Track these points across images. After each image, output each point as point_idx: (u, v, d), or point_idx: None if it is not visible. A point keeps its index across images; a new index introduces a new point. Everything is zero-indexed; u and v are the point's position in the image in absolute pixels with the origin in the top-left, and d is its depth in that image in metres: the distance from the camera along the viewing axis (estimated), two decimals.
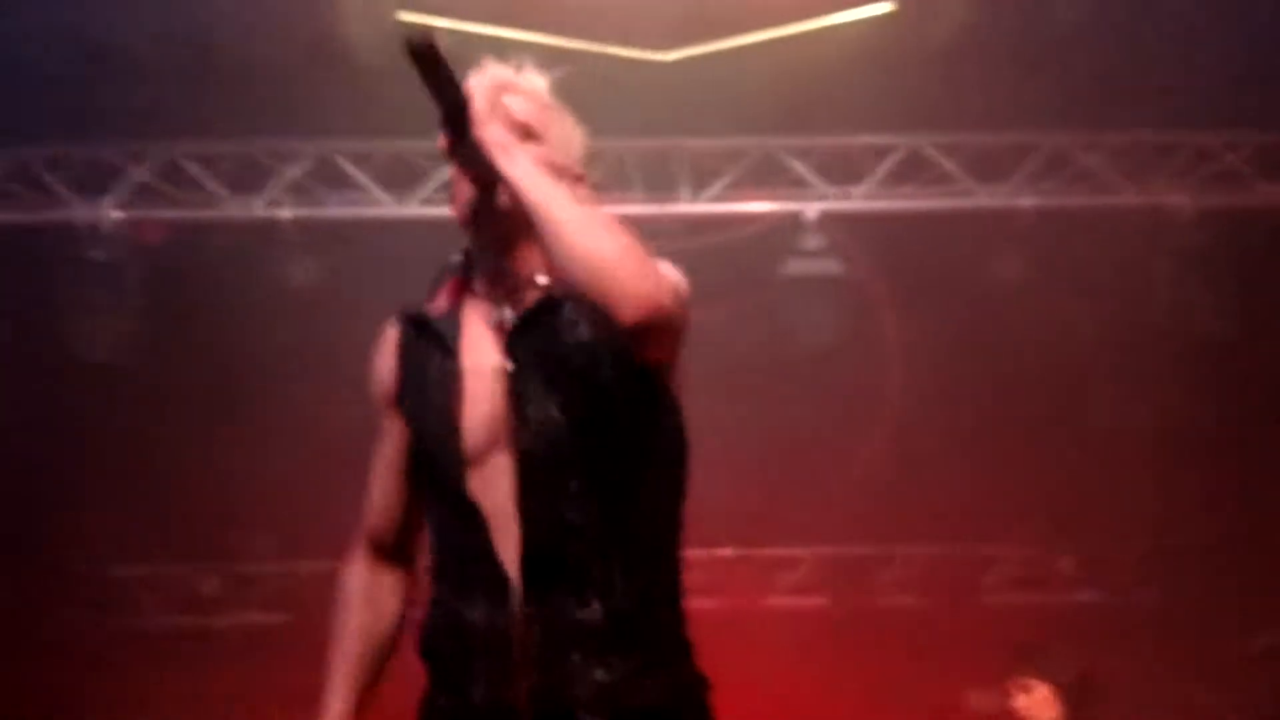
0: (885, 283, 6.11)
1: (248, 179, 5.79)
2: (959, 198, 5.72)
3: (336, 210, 5.77)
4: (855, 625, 7.00)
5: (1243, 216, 5.80)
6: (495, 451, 1.96)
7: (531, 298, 2.01)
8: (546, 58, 5.64)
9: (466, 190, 2.00)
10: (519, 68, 2.12)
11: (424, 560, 2.12)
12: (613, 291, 1.81)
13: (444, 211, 6.01)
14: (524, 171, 1.90)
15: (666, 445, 2.05)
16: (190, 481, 6.40)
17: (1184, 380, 6.00)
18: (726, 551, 7.14)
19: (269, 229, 5.76)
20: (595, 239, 1.85)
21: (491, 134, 1.92)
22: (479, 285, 2.06)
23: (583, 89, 5.49)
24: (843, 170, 5.79)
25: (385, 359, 2.12)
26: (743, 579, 7.18)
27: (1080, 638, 6.54)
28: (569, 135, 2.12)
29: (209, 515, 6.73)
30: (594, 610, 1.92)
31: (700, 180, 5.73)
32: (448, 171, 2.07)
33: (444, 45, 1.86)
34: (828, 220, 5.77)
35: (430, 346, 2.05)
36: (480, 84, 2.01)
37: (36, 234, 5.72)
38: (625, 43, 5.25)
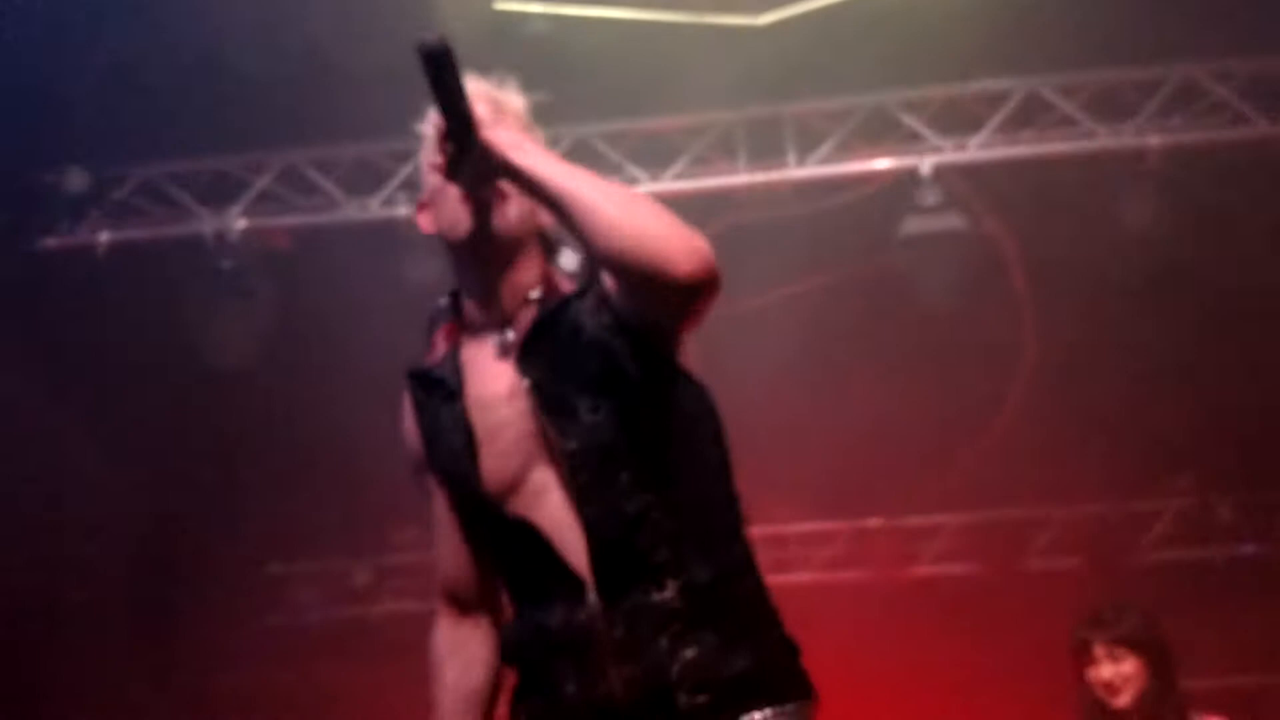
0: (1011, 235, 5.89)
1: (364, 181, 5.91)
2: (1082, 140, 5.47)
3: None
4: (1006, 591, 6.81)
5: None
6: (533, 470, 1.98)
7: (529, 314, 2.02)
8: (639, 31, 5.63)
9: (460, 212, 1.98)
10: (500, 86, 2.10)
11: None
12: (663, 252, 1.80)
13: None
14: (543, 162, 1.88)
15: (698, 422, 2.04)
16: (330, 478, 6.56)
17: None
18: (871, 522, 7.03)
19: (390, 228, 5.86)
20: (631, 209, 1.84)
21: (501, 135, 1.90)
22: (473, 318, 2.06)
23: (681, 60, 5.44)
24: (957, 121, 5.60)
25: (408, 423, 2.15)
26: (889, 548, 7.06)
27: (1239, 591, 6.27)
28: (523, 113, 2.13)
29: (357, 511, 6.90)
30: (670, 592, 1.94)
31: (807, 144, 5.61)
32: (432, 189, 2.04)
33: (457, 52, 1.84)
34: (945, 174, 5.58)
35: (439, 398, 2.06)
36: (477, 92, 1.98)
37: (166, 247, 5.92)
38: (718, 10, 5.17)
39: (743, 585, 2.02)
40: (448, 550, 2.16)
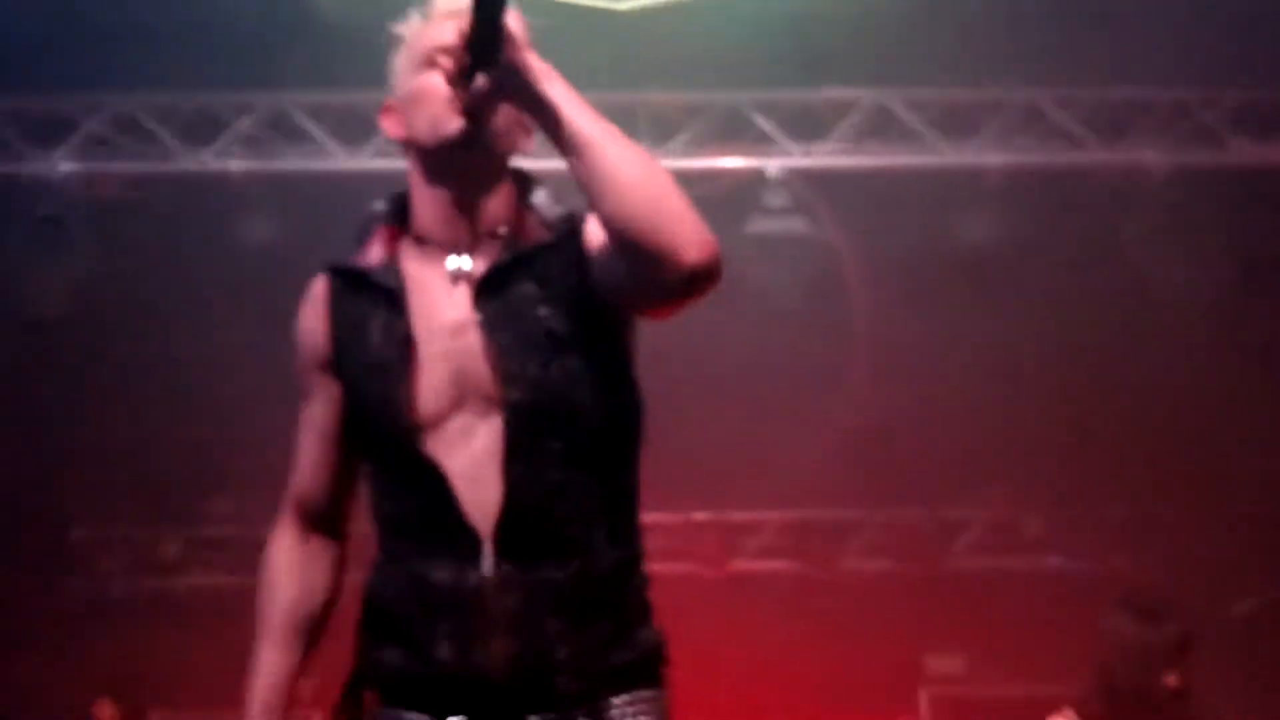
0: (852, 242, 6.02)
1: (202, 132, 5.69)
2: (926, 154, 5.62)
3: (288, 163, 5.66)
4: (822, 590, 6.96)
5: (1218, 175, 5.71)
6: (458, 412, 1.88)
7: (493, 248, 1.92)
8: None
9: (448, 114, 1.87)
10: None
11: (359, 526, 2.03)
12: (676, 233, 1.74)
13: (398, 164, 5.95)
14: (571, 101, 1.79)
15: (632, 405, 1.99)
16: (146, 441, 6.31)
17: (1157, 344, 5.92)
18: (698, 515, 7.11)
19: (221, 182, 5.66)
20: (652, 178, 1.77)
21: (534, 59, 1.81)
22: (426, 232, 1.94)
23: (540, 40, 5.38)
24: (808, 125, 5.68)
25: (314, 318, 2.00)
26: (710, 543, 7.14)
27: (1046, 604, 6.53)
28: None
29: (167, 478, 6.66)
30: (573, 572, 1.88)
31: (662, 135, 5.62)
32: (415, 90, 1.92)
33: None
34: (793, 177, 5.66)
35: (370, 302, 1.93)
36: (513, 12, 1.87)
37: None
38: None
39: (635, 576, 1.97)
40: (312, 460, 2.02)
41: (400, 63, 1.98)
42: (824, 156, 5.66)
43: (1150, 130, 5.66)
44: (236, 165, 5.60)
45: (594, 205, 1.80)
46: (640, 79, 5.53)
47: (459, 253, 1.92)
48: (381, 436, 1.93)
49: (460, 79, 1.85)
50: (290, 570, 2.01)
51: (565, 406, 1.88)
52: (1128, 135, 5.67)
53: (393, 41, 1.99)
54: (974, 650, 7.09)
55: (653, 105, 5.66)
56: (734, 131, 5.69)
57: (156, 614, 6.89)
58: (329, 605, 2.03)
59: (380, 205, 2.01)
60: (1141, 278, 5.86)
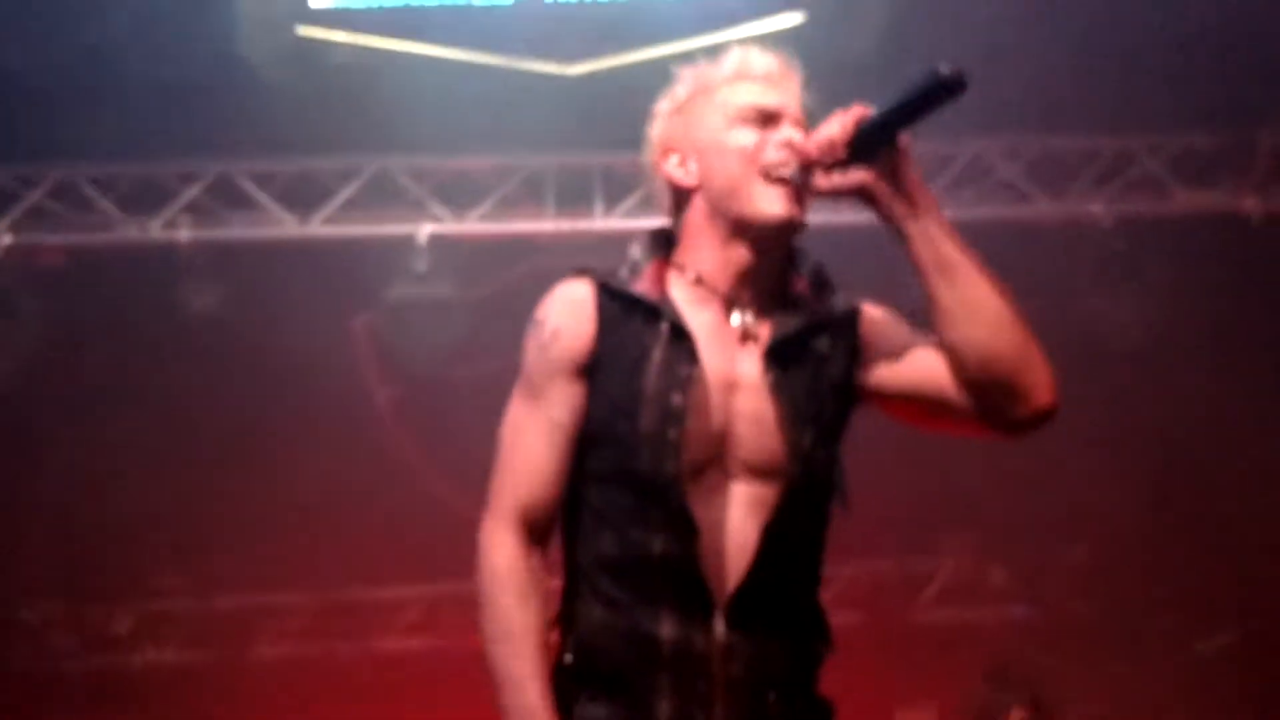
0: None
1: (146, 200, 5.61)
2: (1018, 205, 5.66)
3: (237, 231, 5.59)
4: None
5: (1162, 223, 5.77)
6: (713, 467, 1.85)
7: (775, 310, 1.92)
8: (451, 72, 5.55)
9: (766, 189, 1.87)
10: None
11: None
12: (1031, 379, 1.79)
13: (347, 230, 5.84)
14: (945, 221, 1.83)
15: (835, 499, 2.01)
16: (95, 516, 6.17)
17: (1108, 390, 5.93)
18: None
19: (168, 252, 5.57)
20: (1017, 316, 1.80)
21: (914, 170, 1.83)
22: (708, 279, 1.91)
23: (493, 104, 5.37)
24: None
25: (579, 320, 1.89)
26: None
27: (1015, 652, 6.49)
28: None
29: (117, 551, 6.50)
30: (795, 647, 1.90)
31: (615, 194, 5.60)
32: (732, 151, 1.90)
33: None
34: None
35: (648, 331, 1.87)
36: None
37: None
38: (532, 56, 5.13)
39: (821, 663, 1.97)
40: (540, 467, 1.89)
41: (699, 104, 1.96)
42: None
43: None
44: (184, 234, 5.51)
45: (951, 331, 1.82)
46: (592, 140, 5.50)
47: (742, 308, 1.92)
48: (635, 472, 1.85)
49: (815, 168, 1.85)
50: (526, 588, 1.86)
51: (823, 486, 1.91)
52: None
53: (675, 79, 1.99)
54: (945, 701, 7.03)
55: (606, 166, 5.64)
56: None
57: (107, 693, 6.72)
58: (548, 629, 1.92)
59: (639, 247, 1.97)
60: (1093, 324, 5.89)
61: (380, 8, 5.19)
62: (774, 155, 1.88)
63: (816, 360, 1.91)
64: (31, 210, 5.56)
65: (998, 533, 6.86)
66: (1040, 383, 1.80)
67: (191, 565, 6.67)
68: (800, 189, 1.87)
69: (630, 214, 5.58)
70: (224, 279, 5.59)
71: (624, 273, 1.93)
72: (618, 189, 5.63)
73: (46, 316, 5.66)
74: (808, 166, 1.86)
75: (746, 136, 1.90)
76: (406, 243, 5.64)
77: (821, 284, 1.96)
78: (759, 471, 1.85)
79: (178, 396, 5.83)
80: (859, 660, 6.67)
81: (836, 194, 1.86)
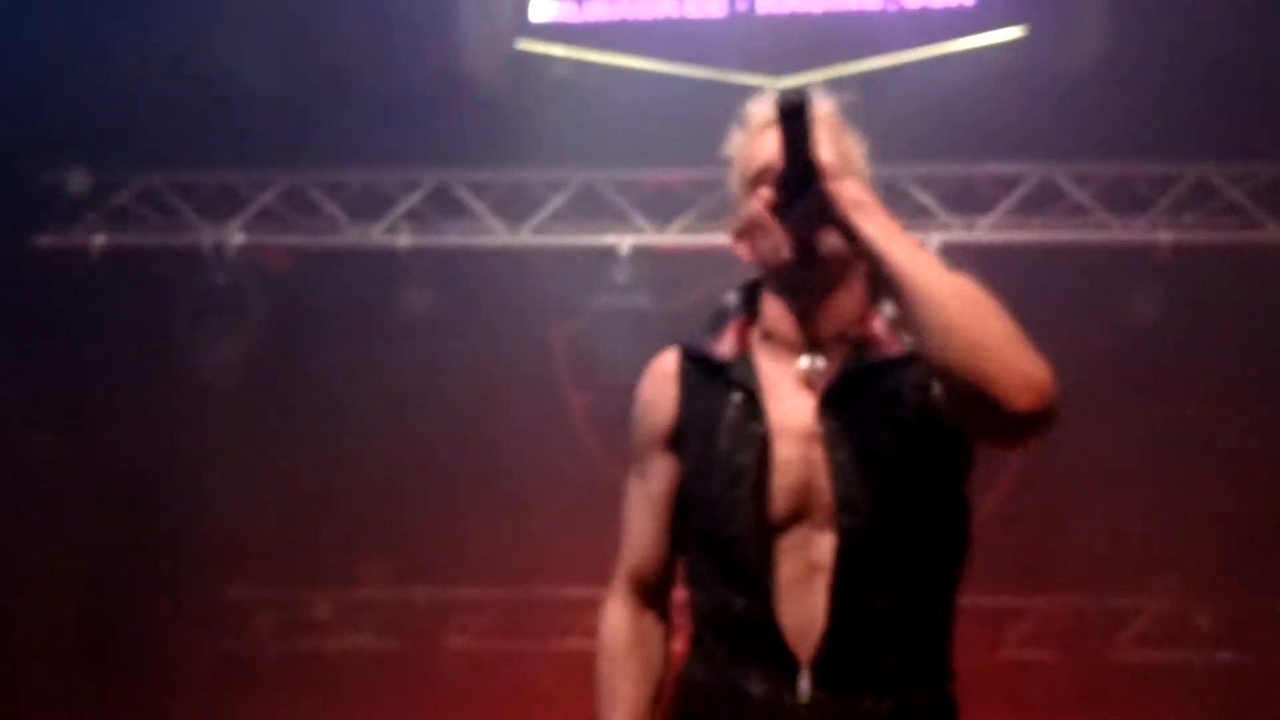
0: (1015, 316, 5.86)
1: (369, 206, 5.86)
2: (1093, 230, 5.47)
3: (452, 238, 5.78)
4: (978, 679, 6.71)
5: None
6: (799, 522, 1.85)
7: (842, 352, 1.90)
8: (662, 85, 5.63)
9: (781, 243, 1.86)
10: (839, 118, 1.97)
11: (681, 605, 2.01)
12: (998, 380, 1.66)
13: (554, 240, 6.00)
14: (884, 232, 1.74)
15: (963, 528, 1.93)
16: (304, 505, 6.45)
17: None
18: None
19: (388, 256, 5.81)
20: (974, 317, 1.68)
21: (846, 189, 1.78)
22: (777, 330, 1.94)
23: (701, 116, 5.41)
24: (968, 200, 5.59)
25: (664, 391, 1.99)
26: None
27: (1218, 699, 6.19)
28: (860, 158, 1.99)
29: (323, 540, 6.78)
30: (887, 705, 1.84)
31: None
32: (751, 218, 1.92)
33: (812, 103, 1.78)
34: (951, 252, 5.56)
35: (722, 394, 1.91)
36: (822, 130, 1.86)
37: (162, 257, 5.85)
38: (743, 70, 5.17)
39: (947, 701, 1.91)
40: (646, 535, 2.00)
41: (732, 183, 1.99)
42: (986, 231, 5.55)
43: None
44: (403, 240, 5.73)
45: (914, 339, 1.74)
46: None
47: (808, 352, 1.91)
48: (713, 533, 1.90)
49: (780, 214, 1.84)
50: (632, 649, 1.99)
51: (899, 534, 1.83)
52: None
53: (724, 164, 2.00)
54: None
55: None
56: (892, 205, 5.62)
57: (305, 675, 6.99)
58: (664, 683, 2.01)
59: (732, 297, 2.01)
60: None
61: (596, 22, 5.32)
62: (750, 209, 1.91)
63: (881, 401, 1.84)
64: (262, 212, 5.87)
65: (1208, 574, 6.56)
66: (1011, 388, 1.64)
67: (392, 556, 6.91)
68: (799, 235, 1.83)
69: None
70: (438, 283, 5.79)
71: (710, 330, 1.98)
72: None
73: (272, 313, 5.95)
74: (777, 212, 1.84)
75: (754, 205, 1.90)
76: (609, 253, 5.75)
77: (897, 320, 1.88)
78: (837, 531, 1.83)
79: (390, 394, 6.06)
80: (1052, 698, 6.47)
81: (808, 231, 1.83)
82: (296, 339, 6.05)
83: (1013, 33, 5.03)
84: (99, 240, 5.74)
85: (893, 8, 5.15)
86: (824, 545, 1.83)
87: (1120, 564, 6.57)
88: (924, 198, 5.59)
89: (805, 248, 1.85)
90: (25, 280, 5.70)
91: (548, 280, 5.85)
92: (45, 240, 5.74)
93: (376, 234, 5.78)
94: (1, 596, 6.02)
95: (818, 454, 1.84)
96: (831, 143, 1.89)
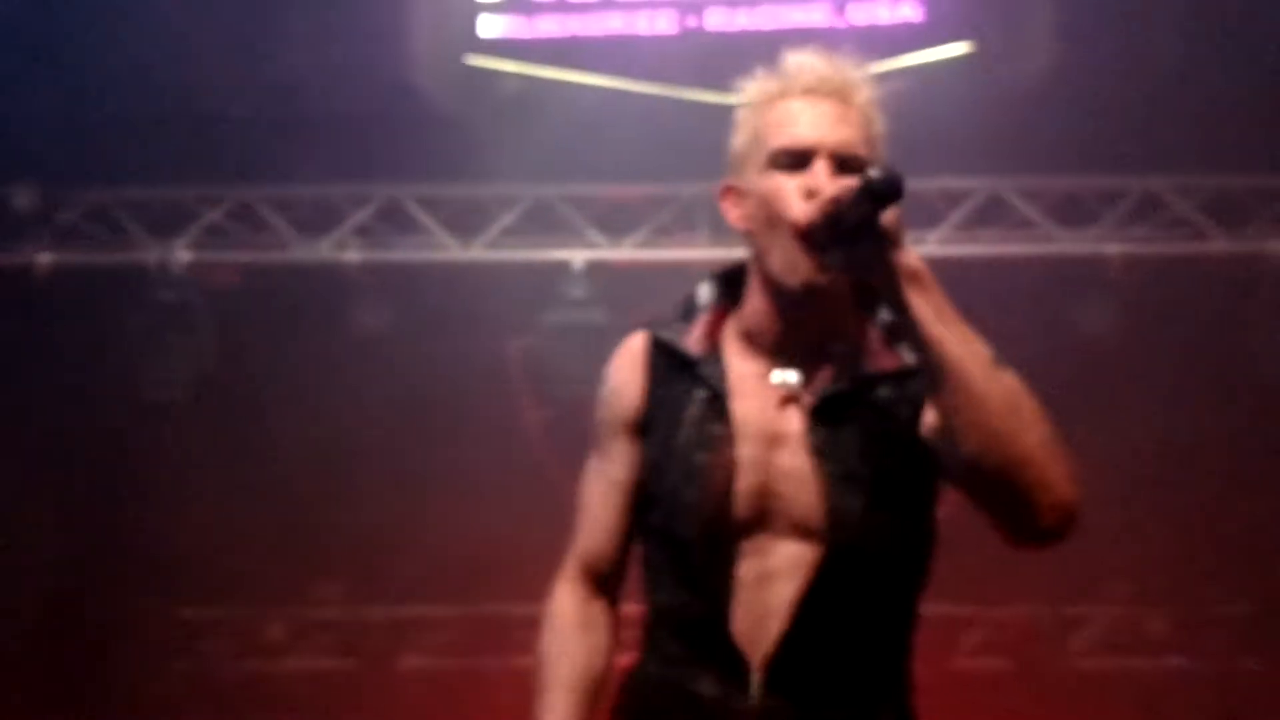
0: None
1: (317, 222, 5.83)
2: (1040, 243, 5.52)
3: (403, 254, 5.76)
4: (931, 690, 6.74)
5: None
6: (759, 526, 1.79)
7: (826, 365, 1.81)
8: (613, 101, 5.63)
9: (795, 256, 1.73)
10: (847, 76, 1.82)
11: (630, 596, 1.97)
12: (1031, 495, 1.60)
13: (507, 255, 5.97)
14: (934, 313, 1.62)
15: (931, 549, 1.90)
16: (257, 524, 6.39)
17: None
18: None
19: (339, 273, 5.78)
20: (1021, 424, 1.59)
21: (907, 259, 1.62)
22: (756, 330, 1.84)
23: (652, 132, 5.43)
24: (918, 214, 5.63)
25: (631, 376, 1.91)
26: None
27: (1171, 707, 6.25)
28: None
29: (276, 559, 6.72)
30: (840, 713, 1.81)
31: None
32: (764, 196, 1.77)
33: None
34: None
35: (689, 387, 1.85)
36: (862, 120, 1.75)
37: (110, 275, 5.79)
38: (693, 86, 5.18)
39: (899, 712, 1.88)
40: (602, 521, 1.93)
41: (744, 138, 1.84)
42: (935, 245, 5.59)
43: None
44: (352, 255, 5.70)
45: (948, 434, 1.63)
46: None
47: (788, 363, 1.83)
48: (667, 531, 1.86)
49: (819, 240, 1.69)
50: (577, 631, 1.93)
51: (880, 553, 1.79)
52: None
53: (738, 101, 1.87)
54: None
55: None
56: None
57: (260, 696, 6.92)
58: (608, 673, 1.95)
59: (706, 287, 1.91)
60: (1263, 368, 5.67)
61: (547, 38, 5.32)
62: (796, 209, 1.73)
63: (874, 416, 1.78)
64: (210, 229, 5.82)
65: (1156, 580, 6.63)
66: (1043, 506, 1.60)
67: (344, 575, 6.85)
68: (827, 242, 1.68)
69: None
70: (389, 299, 5.76)
71: (681, 320, 1.89)
72: None
73: (219, 330, 5.90)
74: (812, 242, 1.69)
75: (775, 184, 1.76)
76: (563, 268, 5.74)
77: (894, 333, 1.79)
78: (804, 532, 1.78)
79: (340, 410, 6.02)
80: (1004, 709, 6.49)
81: (836, 272, 1.69)
82: (246, 357, 6.00)
83: (960, 49, 5.07)
84: (45, 258, 5.66)
85: (841, 24, 5.19)
86: (784, 552, 1.78)
87: (1072, 571, 6.62)
88: None
89: (821, 283, 1.73)
90: None
91: (502, 296, 5.84)
92: None
93: (324, 249, 5.74)
94: None
95: (793, 461, 1.79)
96: (867, 139, 1.78)
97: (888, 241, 1.62)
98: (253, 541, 6.50)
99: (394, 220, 5.80)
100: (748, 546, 1.79)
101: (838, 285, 1.76)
